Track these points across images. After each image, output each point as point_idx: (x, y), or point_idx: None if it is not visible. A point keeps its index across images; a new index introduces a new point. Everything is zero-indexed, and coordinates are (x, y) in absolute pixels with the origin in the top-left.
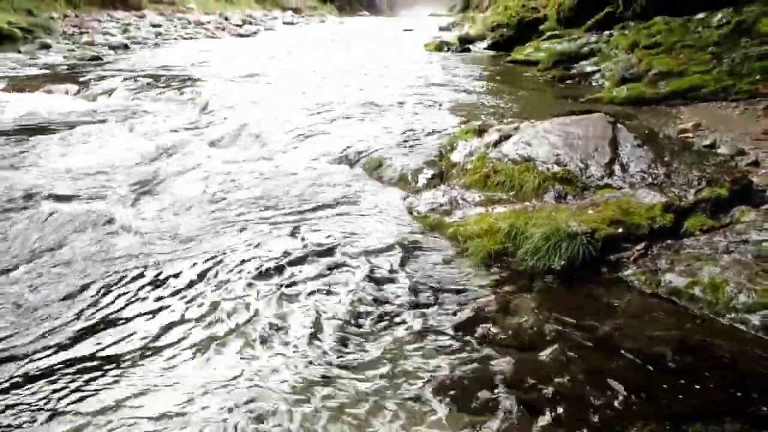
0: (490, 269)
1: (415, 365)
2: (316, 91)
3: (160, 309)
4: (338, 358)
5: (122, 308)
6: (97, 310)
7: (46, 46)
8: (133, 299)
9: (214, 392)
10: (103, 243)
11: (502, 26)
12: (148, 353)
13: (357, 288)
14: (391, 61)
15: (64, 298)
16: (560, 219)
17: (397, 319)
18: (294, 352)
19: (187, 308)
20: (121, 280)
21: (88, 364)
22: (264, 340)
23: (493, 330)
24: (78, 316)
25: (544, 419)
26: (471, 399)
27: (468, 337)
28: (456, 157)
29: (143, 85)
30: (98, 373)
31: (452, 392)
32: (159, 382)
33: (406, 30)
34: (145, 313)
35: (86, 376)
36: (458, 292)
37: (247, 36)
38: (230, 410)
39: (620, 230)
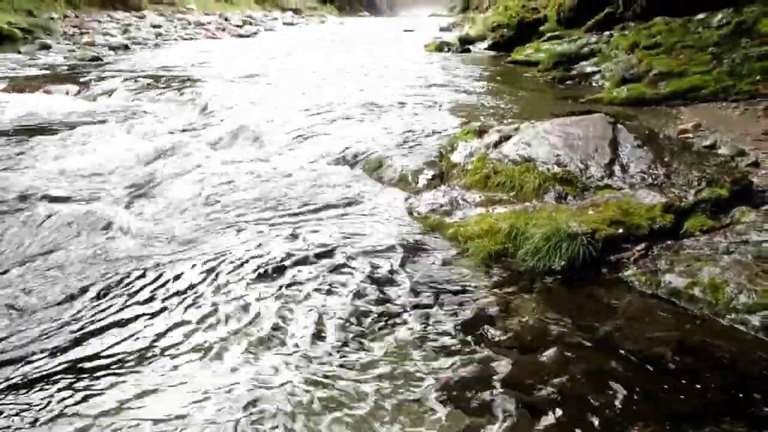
0: (490, 270)
1: (416, 366)
2: (316, 91)
3: (160, 311)
4: (340, 358)
5: (121, 310)
6: (96, 313)
7: (46, 47)
8: (132, 301)
9: (216, 394)
10: (101, 245)
11: (502, 27)
12: (149, 355)
13: (358, 289)
14: (391, 62)
15: (61, 301)
16: (560, 219)
17: (398, 320)
18: (295, 353)
19: (187, 310)
20: (119, 282)
21: (89, 366)
22: (265, 342)
23: (494, 330)
24: (75, 319)
25: (545, 420)
26: (471, 400)
27: (468, 338)
28: (456, 157)
29: (143, 86)
30: (99, 376)
31: (453, 393)
32: (160, 384)
33: (406, 30)
34: (144, 316)
35: (87, 379)
36: (459, 292)
37: (247, 36)
38: (232, 412)
39: (620, 231)
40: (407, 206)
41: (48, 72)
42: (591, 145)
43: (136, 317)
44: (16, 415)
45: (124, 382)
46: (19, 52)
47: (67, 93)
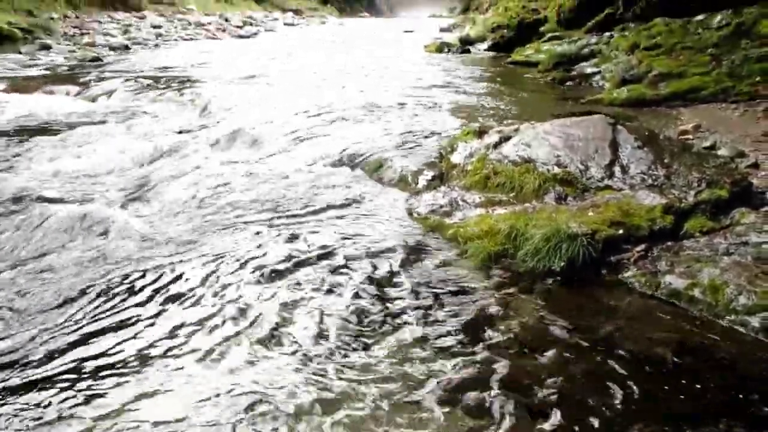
0: (490, 270)
1: (417, 367)
2: (316, 92)
3: (160, 313)
4: (341, 359)
5: (120, 312)
6: (95, 315)
7: (46, 47)
8: (131, 304)
9: (217, 395)
10: (98, 247)
11: (502, 27)
12: (150, 357)
13: (358, 290)
14: (391, 63)
15: (58, 304)
16: (560, 220)
17: (399, 321)
18: (296, 354)
19: (187, 312)
20: (118, 284)
21: (88, 368)
22: (266, 343)
23: (494, 331)
24: (74, 321)
25: (545, 421)
26: (472, 401)
27: (469, 339)
28: (456, 158)
29: (143, 87)
30: (99, 378)
31: (453, 394)
32: (161, 386)
33: (406, 31)
34: (144, 318)
35: (87, 381)
36: (458, 293)
37: (248, 37)
38: (233, 413)
39: (620, 232)
40: (407, 207)
41: (48, 72)
42: (591, 146)
43: (137, 319)
44: (17, 416)
45: (124, 384)
46: (20, 53)
47: (67, 93)
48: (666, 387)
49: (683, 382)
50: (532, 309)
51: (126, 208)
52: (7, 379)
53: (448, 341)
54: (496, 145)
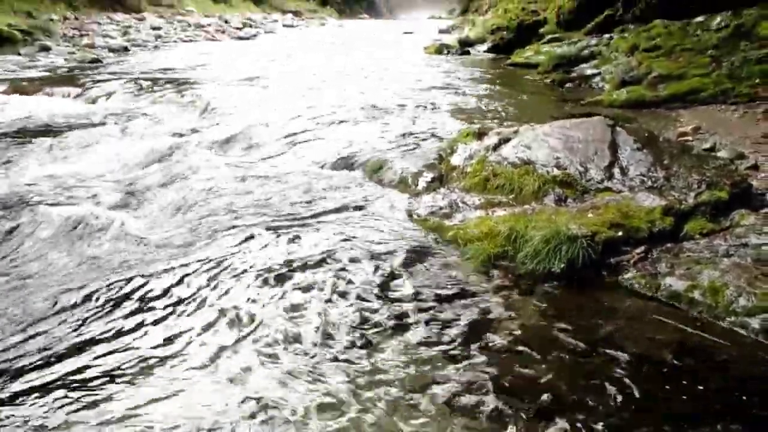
0: (490, 272)
1: (420, 372)
2: (316, 94)
3: (160, 318)
4: (345, 365)
5: (119, 318)
6: (93, 321)
7: (45, 49)
8: (130, 309)
9: (222, 401)
10: (96, 251)
11: (501, 29)
12: (152, 363)
13: (358, 293)
14: (390, 64)
15: (53, 309)
16: (560, 222)
17: (400, 325)
18: (298, 356)
19: (187, 317)
20: (116, 289)
21: (87, 375)
22: (268, 346)
23: (494, 334)
24: (72, 326)
25: (545, 423)
26: (474, 405)
27: (470, 342)
28: (456, 160)
29: (143, 88)
30: (99, 385)
31: (455, 398)
32: (165, 392)
33: (405, 33)
34: (145, 323)
35: (86, 388)
36: (459, 295)
37: (247, 39)
38: (238, 420)
39: (620, 233)
40: (407, 209)
41: (48, 74)
42: (591, 147)
43: (137, 325)
44: (19, 424)
45: (127, 390)
46: (19, 54)
47: (66, 95)
48: (666, 388)
49: (683, 383)
50: (532, 311)
51: (124, 211)
52: (6, 386)
53: (450, 344)
54: (496, 147)
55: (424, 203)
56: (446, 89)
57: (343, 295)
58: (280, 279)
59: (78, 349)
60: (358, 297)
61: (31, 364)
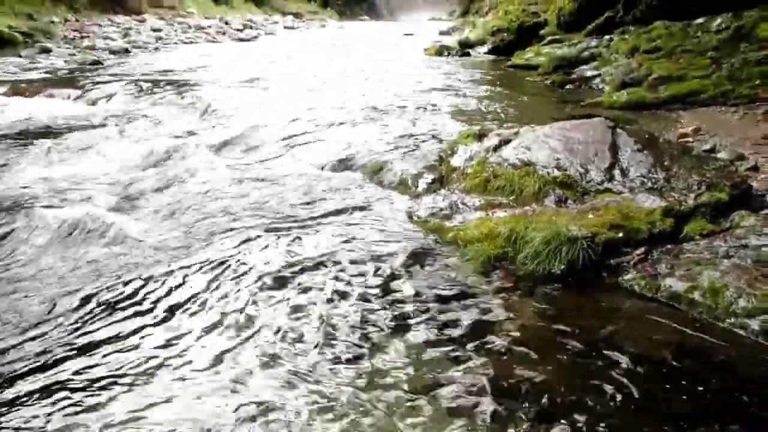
0: (490, 274)
1: (421, 374)
2: (316, 95)
3: (160, 321)
4: (344, 365)
5: (119, 322)
6: (92, 324)
7: (46, 51)
8: (129, 313)
9: (224, 405)
10: (95, 253)
11: (502, 31)
12: (153, 367)
13: (360, 295)
14: (391, 66)
15: (51, 312)
16: (560, 223)
17: (401, 326)
18: (300, 359)
19: (190, 320)
20: (115, 292)
21: (92, 378)
22: (269, 348)
23: (495, 335)
24: (71, 330)
25: (545, 424)
26: (475, 406)
27: (470, 343)
28: (456, 161)
29: (144, 90)
30: (103, 388)
31: (456, 400)
32: (166, 396)
33: (406, 34)
34: (145, 327)
35: (91, 391)
36: (459, 297)
37: (248, 40)
38: (240, 423)
39: (620, 234)
40: (407, 210)
41: (48, 76)
42: (591, 149)
43: (137, 328)
44: (20, 427)
45: (128, 394)
46: (20, 56)
47: (67, 97)
48: (666, 389)
49: (683, 384)
50: (533, 312)
51: (124, 214)
52: (5, 390)
53: (450, 345)
54: (496, 149)
55: (425, 204)
56: (446, 91)
57: (344, 296)
58: (281, 281)
59: (77, 352)
60: (359, 298)
61: (29, 367)
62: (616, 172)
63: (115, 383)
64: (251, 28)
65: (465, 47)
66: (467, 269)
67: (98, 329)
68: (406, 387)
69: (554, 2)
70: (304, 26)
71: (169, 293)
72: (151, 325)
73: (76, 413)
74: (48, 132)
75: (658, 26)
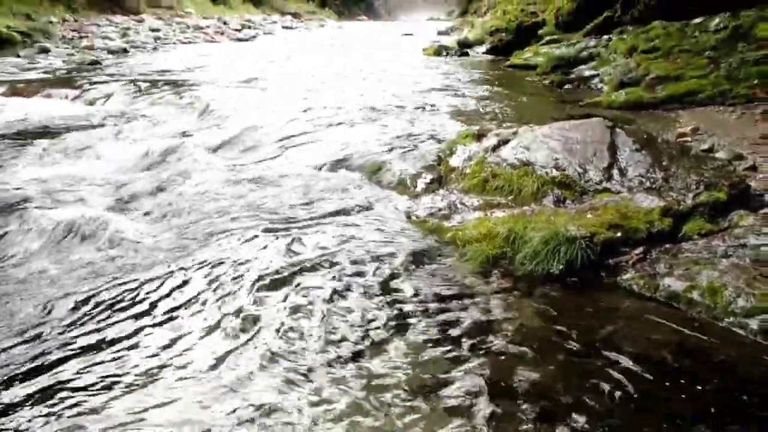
0: (488, 274)
1: (420, 374)
2: (315, 95)
3: (160, 324)
4: (344, 366)
5: (117, 324)
6: (91, 325)
7: (45, 51)
8: (128, 315)
9: (227, 407)
10: (91, 255)
11: (500, 31)
12: (153, 370)
13: (359, 295)
14: (389, 66)
15: (48, 315)
16: (559, 223)
17: (398, 326)
18: (302, 361)
19: (189, 322)
20: (112, 295)
21: (91, 381)
22: (269, 350)
23: (493, 335)
24: (70, 333)
25: (545, 424)
26: (475, 407)
27: (469, 343)
28: (455, 161)
29: (142, 90)
30: (103, 390)
31: (453, 399)
32: (167, 398)
33: (404, 34)
34: (144, 329)
35: (88, 393)
36: (457, 297)
37: (246, 40)
38: (241, 425)
39: (619, 234)
40: (406, 210)
41: (47, 76)
42: (589, 149)
43: (135, 331)
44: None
45: (129, 396)
46: (18, 56)
47: (65, 97)
48: (665, 389)
49: (682, 383)
50: (531, 312)
51: (121, 214)
52: (2, 394)
53: (449, 345)
54: (495, 149)
55: (423, 204)
56: (445, 91)
57: (344, 296)
58: (280, 281)
59: (74, 355)
60: (358, 298)
61: (26, 370)
62: (615, 172)
63: (114, 386)
64: (249, 28)
65: (463, 47)
66: (466, 269)
67: (96, 331)
68: (405, 387)
69: (553, 2)
70: (302, 26)
71: (168, 295)
72: (149, 326)
73: (75, 416)
74: (46, 132)
75: (656, 26)
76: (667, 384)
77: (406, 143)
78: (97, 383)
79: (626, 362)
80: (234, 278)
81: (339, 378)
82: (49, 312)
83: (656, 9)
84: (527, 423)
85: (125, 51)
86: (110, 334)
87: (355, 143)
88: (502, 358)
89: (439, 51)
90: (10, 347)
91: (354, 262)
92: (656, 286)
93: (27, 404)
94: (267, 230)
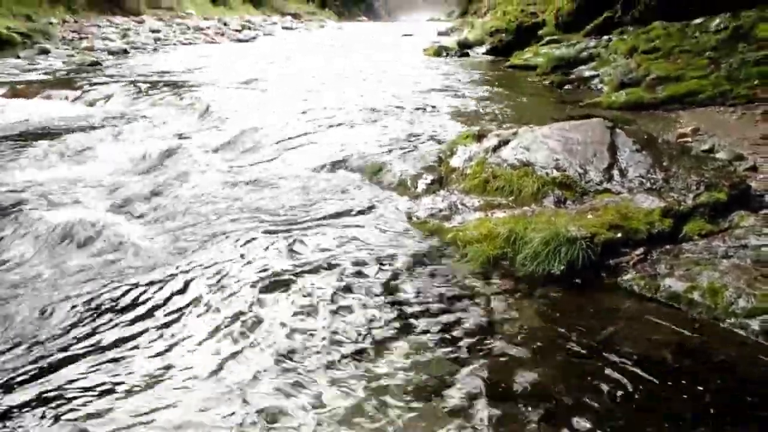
0: (489, 274)
1: (418, 375)
2: (315, 96)
3: (160, 328)
4: (345, 369)
5: (116, 327)
6: (91, 329)
7: (45, 52)
8: (127, 319)
9: (231, 412)
10: (90, 257)
11: (500, 31)
12: (155, 374)
13: (357, 295)
14: (390, 66)
15: (50, 316)
16: (559, 224)
17: (399, 327)
18: (304, 363)
19: (191, 326)
20: (111, 298)
21: (89, 383)
22: (270, 353)
23: (493, 336)
24: (67, 336)
25: (545, 426)
26: (472, 407)
27: (468, 344)
28: (455, 162)
29: (142, 91)
30: (99, 394)
31: (454, 401)
32: (170, 403)
33: (405, 35)
34: (144, 333)
35: (88, 396)
36: (458, 297)
37: (246, 41)
38: (243, 426)
39: (619, 235)
40: (406, 211)
41: (47, 77)
42: (590, 149)
43: (136, 335)
44: None
45: (130, 400)
46: (18, 57)
47: (65, 98)
48: (666, 389)
49: (683, 384)
50: (532, 312)
51: (120, 217)
52: (4, 398)
53: (450, 346)
54: (495, 149)
55: (424, 205)
56: (445, 91)
57: (345, 298)
58: (282, 283)
59: (75, 359)
60: (360, 300)
61: (25, 376)
62: (615, 173)
63: (114, 390)
64: (249, 28)
65: (464, 48)
66: (467, 270)
67: (95, 335)
68: (407, 388)
69: (553, 2)
70: (302, 27)
71: (169, 298)
72: (151, 329)
73: (76, 420)
74: (46, 133)
75: (657, 26)
76: (668, 385)
77: (406, 144)
78: (97, 387)
79: (627, 363)
80: (236, 281)
81: (341, 379)
82: (49, 315)
83: (657, 9)
84: (528, 424)
85: (125, 52)
86: (110, 337)
87: (355, 144)
88: (503, 359)
89: (439, 52)
90: (9, 351)
91: (355, 264)
92: (657, 286)
93: (27, 408)
94: (268, 232)
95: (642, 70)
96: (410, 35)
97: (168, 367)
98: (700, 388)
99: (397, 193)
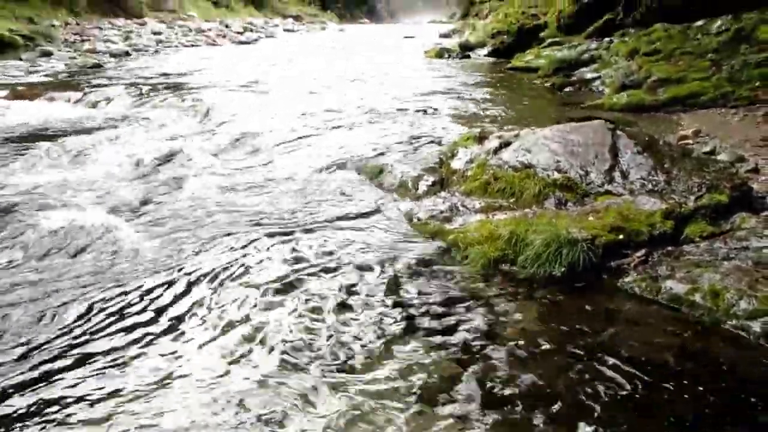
0: (490, 276)
1: (420, 377)
2: (317, 98)
3: (162, 332)
4: (345, 371)
5: (117, 332)
6: (90, 333)
7: (47, 54)
8: (128, 323)
9: (235, 415)
10: (89, 259)
11: (502, 33)
12: (157, 378)
13: (357, 297)
14: (391, 69)
15: (45, 321)
16: (561, 225)
17: (400, 329)
18: (305, 365)
19: (192, 329)
20: (111, 301)
21: (89, 389)
22: (271, 356)
23: (494, 338)
24: (67, 341)
25: (546, 427)
26: (473, 409)
27: (470, 346)
28: (456, 164)
29: (144, 93)
30: (99, 399)
31: (455, 403)
32: (172, 406)
33: (406, 37)
34: (146, 337)
35: (88, 401)
36: (459, 299)
37: (248, 43)
38: (247, 424)
39: (621, 237)
40: (407, 212)
41: (49, 79)
42: (591, 151)
43: (134, 339)
44: None
45: (132, 405)
46: (21, 59)
47: (68, 100)
48: (667, 391)
49: (685, 386)
50: (533, 315)
51: (120, 219)
52: (3, 404)
53: (451, 349)
54: (497, 151)
55: (425, 207)
56: (447, 93)
57: (347, 300)
58: (284, 286)
59: (75, 363)
60: (362, 303)
61: (24, 382)
62: (617, 175)
63: (114, 395)
64: (251, 31)
65: (465, 50)
66: (468, 272)
67: (95, 340)
68: (408, 390)
69: (554, 5)
70: (304, 29)
71: (171, 300)
72: (153, 334)
73: (76, 423)
74: (48, 136)
75: (658, 29)
76: (670, 387)
77: (407, 145)
78: (96, 393)
79: (628, 365)
80: (238, 284)
81: (343, 383)
82: (46, 320)
83: (658, 11)
84: (530, 426)
85: (127, 54)
86: (110, 342)
87: (356, 146)
88: (504, 360)
89: (441, 53)
90: (6, 357)
91: (357, 266)
92: (658, 288)
93: (26, 414)
94: (269, 234)
95: (643, 72)
96: (412, 37)
97: (168, 373)
98: (702, 390)
99: (399, 195)
